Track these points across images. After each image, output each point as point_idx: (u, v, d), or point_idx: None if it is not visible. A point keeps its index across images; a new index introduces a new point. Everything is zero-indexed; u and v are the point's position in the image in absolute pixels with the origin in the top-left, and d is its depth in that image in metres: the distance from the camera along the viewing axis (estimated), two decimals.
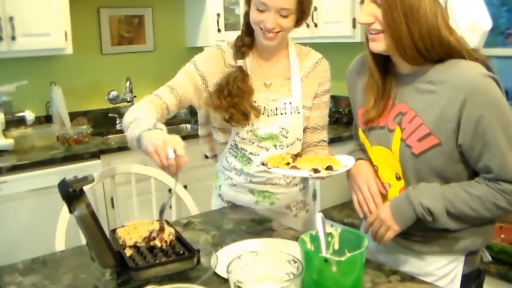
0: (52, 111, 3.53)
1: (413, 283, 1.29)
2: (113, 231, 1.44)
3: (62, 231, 1.82)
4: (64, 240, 1.81)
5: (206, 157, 1.99)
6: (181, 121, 3.97)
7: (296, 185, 1.85)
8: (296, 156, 1.47)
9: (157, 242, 1.35)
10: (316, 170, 1.37)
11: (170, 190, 2.04)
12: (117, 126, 3.76)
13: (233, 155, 1.81)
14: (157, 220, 1.43)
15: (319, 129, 1.84)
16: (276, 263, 1.12)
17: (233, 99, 1.70)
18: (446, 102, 1.26)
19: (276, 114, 1.74)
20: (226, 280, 1.19)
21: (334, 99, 3.37)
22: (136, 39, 3.98)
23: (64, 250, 1.67)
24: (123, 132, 1.54)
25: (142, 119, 1.48)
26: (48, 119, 3.56)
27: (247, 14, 1.72)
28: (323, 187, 2.98)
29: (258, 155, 1.75)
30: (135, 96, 3.72)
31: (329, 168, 1.38)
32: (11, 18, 2.98)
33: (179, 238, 1.40)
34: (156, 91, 1.70)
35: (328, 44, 3.03)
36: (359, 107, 1.51)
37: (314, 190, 2.94)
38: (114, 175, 2.05)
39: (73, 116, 3.61)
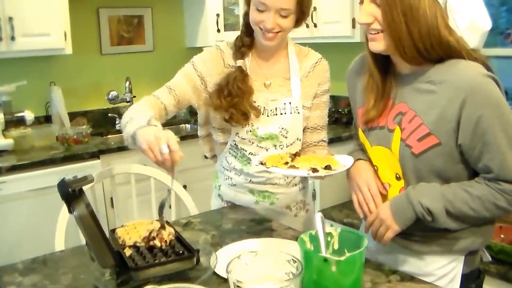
0: (51, 111, 3.53)
1: (413, 283, 1.29)
2: (113, 231, 1.44)
3: (62, 231, 1.82)
4: (64, 240, 1.81)
5: (206, 157, 1.99)
6: (181, 121, 3.97)
7: (295, 185, 1.85)
8: (294, 155, 1.47)
9: (157, 242, 1.35)
10: (314, 170, 1.37)
11: (169, 190, 2.04)
12: (116, 126, 3.76)
13: (232, 155, 1.81)
14: (157, 220, 1.43)
15: (318, 129, 1.84)
16: (276, 263, 1.12)
17: (233, 99, 1.70)
18: (446, 102, 1.26)
19: (276, 114, 1.74)
20: (225, 280, 1.19)
21: (334, 99, 3.37)
22: (135, 39, 3.98)
23: (64, 250, 1.67)
24: (122, 132, 1.55)
25: (137, 117, 1.49)
26: (47, 119, 3.56)
27: (246, 14, 1.72)
28: (323, 187, 2.98)
29: (258, 155, 1.75)
30: (134, 96, 3.72)
31: (327, 167, 1.38)
32: (10, 18, 2.98)
33: (178, 238, 1.40)
34: (155, 92, 1.71)
35: (327, 44, 3.03)
36: (359, 107, 1.51)
37: (314, 190, 2.95)
38: (113, 175, 2.05)
39: (72, 116, 3.61)
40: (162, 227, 1.39)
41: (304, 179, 1.90)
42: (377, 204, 1.41)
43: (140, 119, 1.46)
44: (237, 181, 1.83)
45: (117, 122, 3.76)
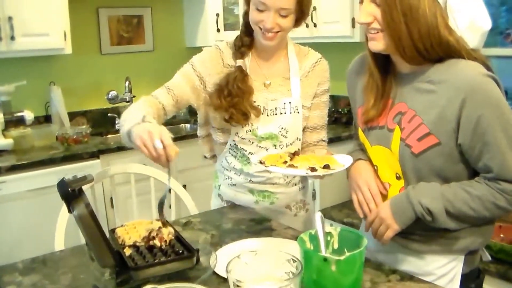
0: (51, 111, 3.53)
1: (413, 282, 1.29)
2: (112, 231, 1.44)
3: (62, 231, 1.82)
4: (64, 240, 1.81)
5: (205, 157, 1.99)
6: (181, 121, 3.97)
7: (295, 184, 1.85)
8: (293, 154, 1.47)
9: (157, 242, 1.35)
10: (313, 169, 1.37)
11: (169, 190, 2.04)
12: (116, 126, 3.75)
13: (232, 155, 1.81)
14: (157, 220, 1.43)
15: (318, 129, 1.84)
16: (276, 262, 1.12)
17: (233, 99, 1.70)
18: (445, 101, 1.26)
19: (276, 114, 1.74)
20: (225, 280, 1.19)
21: (334, 99, 3.37)
22: (135, 39, 3.98)
23: (64, 250, 1.67)
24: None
25: (133, 115, 1.50)
26: (47, 119, 3.56)
27: (246, 14, 1.72)
28: (323, 186, 2.98)
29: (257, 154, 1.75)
30: (134, 96, 3.72)
31: (326, 167, 1.38)
32: (10, 18, 2.98)
33: (178, 238, 1.39)
34: (153, 92, 1.72)
35: (327, 44, 3.03)
36: (358, 107, 1.51)
37: (314, 189, 2.95)
38: (113, 175, 2.05)
39: (72, 116, 3.61)
40: (163, 224, 1.39)
41: (304, 179, 1.90)
42: (377, 204, 1.41)
43: (135, 117, 1.47)
44: (237, 181, 1.83)
45: (116, 122, 3.76)
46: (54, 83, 3.52)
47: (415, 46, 1.26)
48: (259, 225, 1.71)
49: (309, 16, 1.78)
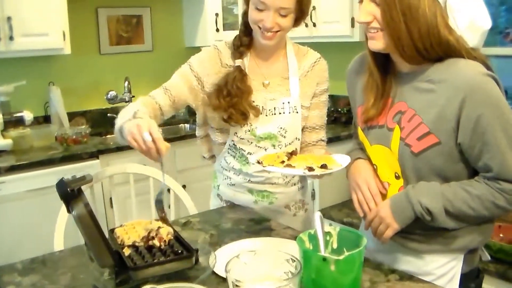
0: (50, 111, 3.53)
1: (412, 282, 1.29)
2: (112, 231, 1.44)
3: (61, 231, 1.82)
4: (63, 240, 1.81)
5: (204, 157, 1.99)
6: (180, 121, 3.97)
7: (294, 184, 1.85)
8: (291, 154, 1.47)
9: (156, 242, 1.35)
10: (310, 168, 1.37)
11: (169, 190, 2.04)
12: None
13: (231, 155, 1.81)
14: (156, 219, 1.43)
15: (317, 128, 1.84)
16: (275, 262, 1.12)
17: (232, 99, 1.70)
18: (445, 101, 1.26)
19: (275, 114, 1.74)
20: (224, 280, 1.19)
21: (333, 98, 3.37)
22: (134, 39, 3.97)
23: (63, 250, 1.67)
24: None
25: (126, 114, 1.51)
26: (46, 119, 3.56)
27: (245, 14, 1.72)
28: (322, 186, 2.98)
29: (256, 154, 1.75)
30: (133, 96, 3.72)
31: (323, 166, 1.38)
32: (9, 18, 2.97)
33: (177, 238, 1.39)
34: (151, 92, 1.72)
35: (326, 44, 3.03)
36: (358, 106, 1.51)
37: (313, 189, 2.94)
38: (112, 175, 2.05)
39: (71, 116, 3.60)
40: (162, 220, 1.39)
41: (303, 179, 1.90)
42: (377, 203, 1.41)
43: (127, 114, 1.48)
44: (236, 181, 1.83)
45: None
46: (53, 83, 3.51)
47: (414, 45, 1.26)
48: (258, 225, 1.71)
49: (309, 16, 1.78)
